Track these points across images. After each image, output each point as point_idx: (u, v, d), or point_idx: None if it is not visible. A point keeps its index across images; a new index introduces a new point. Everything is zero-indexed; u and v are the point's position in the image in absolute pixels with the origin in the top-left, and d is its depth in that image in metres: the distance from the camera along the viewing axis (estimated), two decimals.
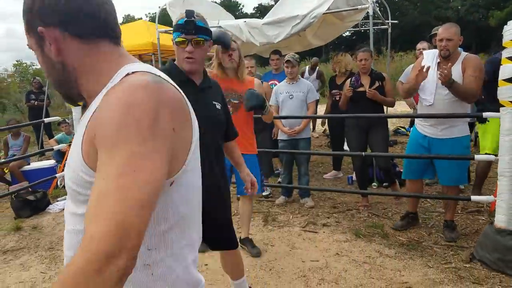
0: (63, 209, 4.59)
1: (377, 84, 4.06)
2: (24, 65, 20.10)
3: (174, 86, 0.85)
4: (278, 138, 4.53)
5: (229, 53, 2.77)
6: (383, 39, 16.50)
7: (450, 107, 3.13)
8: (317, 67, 7.78)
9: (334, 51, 22.59)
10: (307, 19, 4.88)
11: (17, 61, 15.93)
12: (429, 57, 3.26)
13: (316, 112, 4.99)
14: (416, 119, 3.50)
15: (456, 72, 3.03)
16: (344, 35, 28.61)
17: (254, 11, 46.18)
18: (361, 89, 4.06)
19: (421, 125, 3.37)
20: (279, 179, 4.86)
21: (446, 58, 3.08)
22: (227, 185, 2.21)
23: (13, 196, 4.50)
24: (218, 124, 2.04)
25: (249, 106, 2.84)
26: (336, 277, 2.73)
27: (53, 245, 3.70)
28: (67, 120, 7.10)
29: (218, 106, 2.05)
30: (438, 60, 3.17)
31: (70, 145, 5.68)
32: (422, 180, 3.67)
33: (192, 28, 1.91)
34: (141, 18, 45.94)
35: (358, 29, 7.77)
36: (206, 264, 3.11)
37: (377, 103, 4.04)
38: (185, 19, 1.90)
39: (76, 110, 4.90)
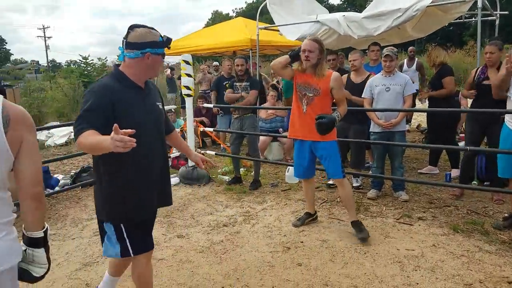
0: (175, 184, 5.27)
1: None
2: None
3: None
4: (371, 130, 4.61)
5: (305, 55, 3.30)
6: (487, 30, 15.14)
7: None
8: (416, 58, 7.47)
9: (429, 42, 21.24)
10: (410, 12, 4.85)
11: (117, 55, 17.81)
12: None
13: (413, 106, 4.96)
14: (506, 116, 3.41)
15: None
16: None
17: (341, 2, 45.01)
18: (486, 82, 4.02)
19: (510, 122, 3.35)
20: (370, 172, 4.94)
21: None
22: (167, 163, 2.40)
23: None
24: (160, 117, 2.25)
25: (320, 133, 3.35)
26: (432, 265, 2.84)
27: (169, 213, 4.29)
28: (172, 109, 7.87)
29: (159, 105, 2.26)
30: None
31: (181, 130, 6.38)
32: None
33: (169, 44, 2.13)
34: (228, 14, 47.99)
35: (459, 21, 7.34)
36: (302, 242, 3.41)
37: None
38: (167, 37, 2.11)
39: (188, 100, 5.52)
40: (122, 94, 2.00)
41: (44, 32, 43.55)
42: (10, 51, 57.30)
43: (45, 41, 43.46)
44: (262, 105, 6.74)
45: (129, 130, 1.57)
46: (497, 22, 6.16)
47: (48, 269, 1.51)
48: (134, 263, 2.23)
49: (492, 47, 4.00)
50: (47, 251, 1.49)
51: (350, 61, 4.75)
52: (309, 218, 3.87)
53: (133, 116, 2.00)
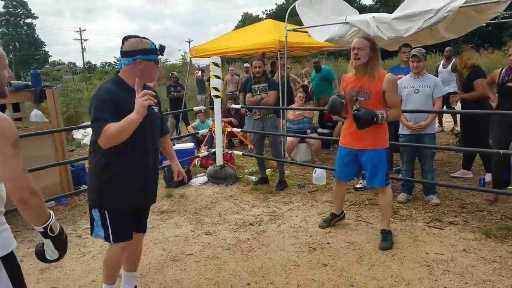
0: (203, 183, 5.38)
1: None
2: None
3: None
4: (399, 132, 4.53)
5: (355, 52, 3.11)
6: None
7: None
8: (453, 59, 7.21)
9: (465, 43, 20.56)
10: (441, 13, 4.74)
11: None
12: None
13: (443, 108, 4.86)
14: None
15: None
16: None
17: (373, 3, 44.23)
18: (509, 84, 3.93)
19: None
20: (400, 176, 4.84)
21: None
22: (158, 164, 2.55)
23: (165, 170, 5.39)
24: (155, 121, 2.43)
25: (358, 128, 3.14)
26: (462, 270, 2.78)
27: (197, 211, 4.39)
28: (202, 110, 8.03)
29: (156, 109, 2.43)
30: None
31: (210, 131, 6.50)
32: None
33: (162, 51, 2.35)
34: (258, 15, 48.17)
35: (496, 21, 7.09)
36: (328, 243, 3.41)
37: None
38: (160, 45, 2.31)
39: (217, 102, 5.62)
40: (121, 97, 2.20)
41: (81, 35, 45.43)
42: (49, 53, 59.86)
43: (81, 43, 45.31)
44: (289, 106, 6.76)
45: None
46: None
47: (61, 256, 1.68)
48: (110, 247, 2.43)
49: None
50: (57, 242, 1.63)
51: (510, 55, 4.31)
52: (336, 219, 3.83)
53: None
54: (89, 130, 9.22)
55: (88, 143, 8.76)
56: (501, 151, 3.74)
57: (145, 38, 2.29)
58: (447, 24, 6.03)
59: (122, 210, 2.36)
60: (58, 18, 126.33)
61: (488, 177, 4.69)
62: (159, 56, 2.37)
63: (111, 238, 2.36)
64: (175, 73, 11.44)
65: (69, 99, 11.19)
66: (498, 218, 3.74)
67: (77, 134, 9.57)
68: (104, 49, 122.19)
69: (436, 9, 4.79)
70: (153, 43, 2.29)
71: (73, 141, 9.17)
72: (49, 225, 1.58)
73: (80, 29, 46.62)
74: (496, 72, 4.29)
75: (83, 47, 45.29)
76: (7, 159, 1.42)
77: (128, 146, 2.15)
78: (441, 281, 2.71)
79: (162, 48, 2.32)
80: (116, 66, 13.67)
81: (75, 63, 43.19)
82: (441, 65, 7.15)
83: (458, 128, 7.72)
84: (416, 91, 4.32)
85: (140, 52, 2.22)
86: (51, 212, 1.62)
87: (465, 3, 4.68)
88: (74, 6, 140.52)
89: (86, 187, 5.20)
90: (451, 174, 5.24)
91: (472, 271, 2.77)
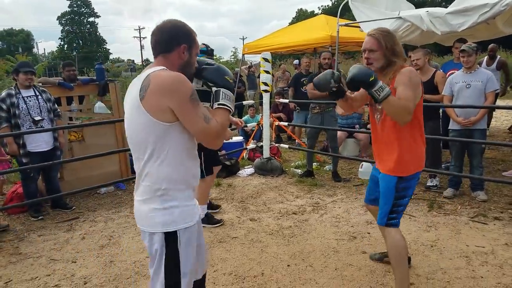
0: (250, 174, 5.64)
1: None
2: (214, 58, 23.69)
3: None
4: (449, 128, 4.48)
5: (365, 56, 2.34)
6: None
7: None
8: (498, 56, 6.85)
9: None
10: (498, 7, 4.61)
11: None
12: None
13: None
14: None
15: None
16: None
17: None
18: None
19: None
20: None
21: None
22: None
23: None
24: None
25: (349, 79, 2.17)
26: (501, 262, 2.79)
27: (243, 199, 4.65)
28: (253, 105, 8.28)
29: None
30: None
31: (258, 125, 6.75)
32: None
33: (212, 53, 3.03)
34: (313, 11, 47.70)
35: None
36: (369, 233, 3.51)
37: None
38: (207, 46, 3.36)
39: (266, 96, 5.83)
40: None
41: (140, 33, 47.63)
42: (110, 51, 63.42)
43: (140, 41, 47.57)
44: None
45: None
46: None
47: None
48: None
49: None
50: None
51: (413, 60, 4.50)
52: None
53: None
54: None
55: None
56: None
57: (203, 43, 3.24)
58: (506, 18, 5.80)
59: None
60: (118, 17, 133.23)
61: None
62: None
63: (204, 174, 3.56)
64: (237, 69, 11.76)
65: None
66: None
67: None
68: None
69: (492, 3, 4.66)
70: (206, 46, 3.27)
71: None
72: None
73: (139, 27, 48.80)
74: None
75: (142, 44, 47.52)
76: (188, 116, 1.53)
77: None
78: (478, 271, 2.74)
79: (211, 50, 3.31)
80: None
81: (133, 60, 45.46)
82: (484, 62, 6.72)
83: None
84: (468, 86, 4.25)
85: None
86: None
87: None
88: (134, 5, 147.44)
89: None
90: (503, 173, 5.08)
91: (511, 263, 2.78)
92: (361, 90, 2.34)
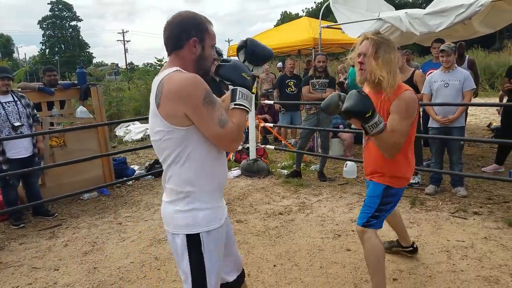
0: (237, 176, 5.65)
1: None
2: None
3: None
4: (429, 126, 4.58)
5: (359, 61, 2.19)
6: None
7: None
8: (466, 56, 6.90)
9: (511, 38, 19.66)
10: (473, 7, 4.73)
11: None
12: None
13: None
14: None
15: None
16: None
17: None
18: None
19: None
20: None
21: None
22: None
23: None
24: None
25: (344, 109, 2.08)
26: (480, 256, 2.87)
27: (230, 201, 4.65)
28: None
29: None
30: None
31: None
32: None
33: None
34: (297, 14, 48.14)
35: None
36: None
37: None
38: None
39: None
40: None
41: (123, 36, 47.19)
42: (93, 55, 62.72)
43: (124, 44, 47.08)
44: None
45: None
46: None
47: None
48: None
49: None
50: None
51: None
52: (399, 248, 3.05)
53: None
54: (131, 127, 9.82)
55: (129, 140, 9.34)
56: None
57: None
58: (481, 18, 5.97)
59: None
60: (101, 20, 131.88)
61: None
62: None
63: None
64: None
65: (111, 98, 11.69)
66: None
67: (119, 131, 10.10)
68: (146, 50, 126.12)
69: (468, 3, 4.78)
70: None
71: (115, 138, 9.66)
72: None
73: (122, 30, 48.31)
74: None
75: (125, 48, 47.09)
76: (202, 121, 1.48)
77: None
78: (459, 265, 2.81)
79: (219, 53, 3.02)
80: (158, 67, 14.18)
81: (117, 64, 45.00)
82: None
83: (495, 124, 7.54)
84: (446, 85, 4.35)
85: None
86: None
87: None
88: (117, 8, 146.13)
89: (126, 178, 5.67)
90: (483, 169, 5.21)
91: (490, 256, 2.85)
92: None
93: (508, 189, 4.32)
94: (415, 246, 2.96)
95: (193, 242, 1.58)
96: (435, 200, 4.24)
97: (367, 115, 2.00)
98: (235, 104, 1.60)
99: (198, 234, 1.57)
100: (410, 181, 4.82)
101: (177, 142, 1.51)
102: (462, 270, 2.74)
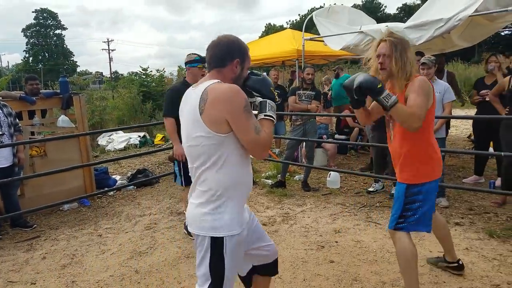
0: None
1: None
2: (184, 70, 23.44)
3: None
4: None
5: (379, 61, 2.34)
6: None
7: None
8: (445, 70, 7.02)
9: (489, 51, 20.30)
10: (452, 21, 4.83)
11: (179, 66, 18.89)
12: None
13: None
14: None
15: None
16: (502, 33, 25.28)
17: (397, 12, 44.08)
18: None
19: None
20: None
21: None
22: None
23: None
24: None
25: (356, 85, 2.21)
26: None
27: None
28: None
29: None
30: None
31: None
32: None
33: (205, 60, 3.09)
34: (282, 26, 48.71)
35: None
36: (336, 241, 3.55)
37: None
38: (200, 55, 3.67)
39: None
40: (183, 92, 3.24)
41: (108, 45, 46.82)
42: (77, 63, 62.00)
43: (109, 53, 46.73)
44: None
45: None
46: None
47: None
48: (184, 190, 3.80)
49: None
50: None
51: None
52: (444, 263, 2.95)
53: None
54: (114, 137, 9.68)
55: (112, 150, 9.21)
56: (502, 153, 3.81)
57: (194, 53, 3.84)
58: (460, 32, 6.11)
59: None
60: (86, 29, 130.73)
61: (499, 181, 4.73)
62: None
63: (183, 183, 3.82)
64: None
65: (94, 107, 11.53)
66: (504, 219, 3.81)
67: (102, 140, 9.94)
68: (131, 59, 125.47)
69: (447, 18, 4.88)
70: (198, 55, 3.77)
71: (97, 148, 9.50)
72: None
73: (107, 39, 47.95)
74: (505, 81, 4.35)
75: (110, 57, 46.72)
76: (241, 126, 1.64)
77: None
78: (441, 276, 2.83)
79: (204, 58, 3.27)
80: (142, 76, 14.08)
81: (102, 72, 44.53)
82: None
83: None
84: None
85: (187, 62, 3.84)
86: None
87: (475, 12, 4.76)
88: (102, 17, 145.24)
89: (107, 189, 5.56)
90: (463, 180, 5.30)
91: (472, 267, 2.88)
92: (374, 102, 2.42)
93: (488, 199, 4.40)
94: (460, 262, 2.87)
95: (217, 244, 1.69)
96: None
97: (379, 86, 2.16)
98: (265, 115, 1.78)
99: (222, 237, 1.69)
100: (369, 189, 5.02)
101: (215, 148, 1.65)
102: (445, 282, 2.76)
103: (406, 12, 40.08)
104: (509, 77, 4.37)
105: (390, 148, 2.53)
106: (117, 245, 3.82)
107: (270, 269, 2.10)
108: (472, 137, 7.84)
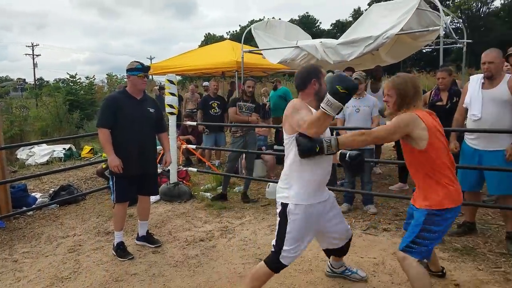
0: (155, 202, 5.33)
1: (454, 99, 4.32)
2: (115, 77, 22.29)
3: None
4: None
5: (384, 100, 2.60)
6: (467, 55, 15.88)
7: (497, 121, 3.40)
8: (382, 82, 7.23)
9: (413, 67, 22.04)
10: (380, 39, 5.17)
11: (107, 74, 18.13)
12: (474, 79, 3.58)
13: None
14: (465, 134, 3.76)
15: (504, 91, 3.34)
16: (424, 51, 27.65)
17: (331, 27, 46.42)
18: (439, 103, 4.44)
19: (469, 139, 3.63)
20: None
21: (490, 79, 3.41)
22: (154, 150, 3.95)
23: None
24: (150, 120, 3.74)
25: (300, 151, 2.35)
26: (390, 271, 3.07)
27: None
28: None
29: (152, 110, 3.74)
30: (483, 81, 3.48)
31: None
32: (479, 192, 3.81)
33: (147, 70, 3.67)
34: (222, 36, 48.97)
35: (438, 46, 7.73)
36: None
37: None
38: (143, 64, 3.66)
39: (172, 119, 5.68)
40: (122, 102, 3.59)
41: (33, 50, 43.58)
42: None
43: (33, 58, 43.42)
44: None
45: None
46: (464, 49, 6.66)
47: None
48: (116, 205, 3.74)
49: (443, 73, 4.48)
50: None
51: (439, 78, 4.55)
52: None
53: (127, 114, 3.56)
54: (35, 149, 8.92)
55: (33, 164, 8.46)
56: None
57: (136, 61, 3.65)
58: (387, 50, 6.57)
59: (122, 175, 3.53)
60: (8, 33, 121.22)
61: None
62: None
63: (114, 199, 3.68)
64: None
65: (14, 117, 10.42)
66: None
67: (22, 154, 9.05)
68: (60, 64, 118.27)
69: (376, 35, 5.22)
70: (140, 64, 3.60)
71: (16, 162, 8.69)
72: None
73: (32, 44, 44.49)
74: (427, 94, 4.73)
75: (35, 62, 43.48)
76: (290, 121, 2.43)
77: (128, 133, 3.57)
78: (371, 282, 2.96)
79: (146, 67, 3.61)
80: (70, 84, 13.29)
81: (25, 79, 41.36)
82: (369, 88, 6.39)
83: None
84: (357, 110, 4.67)
85: (128, 70, 3.62)
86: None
87: (401, 31, 5.14)
88: (26, 21, 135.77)
89: (26, 209, 5.06)
90: (390, 187, 5.64)
91: (399, 271, 3.03)
92: None
93: None
94: (444, 271, 2.98)
95: (285, 209, 2.45)
96: (349, 217, 4.46)
97: (317, 150, 2.31)
98: (320, 106, 2.19)
99: (287, 204, 2.44)
100: None
101: (289, 146, 2.48)
102: (374, 287, 2.88)
103: (339, 28, 42.40)
104: (430, 91, 4.74)
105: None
106: (35, 271, 3.47)
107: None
108: None
